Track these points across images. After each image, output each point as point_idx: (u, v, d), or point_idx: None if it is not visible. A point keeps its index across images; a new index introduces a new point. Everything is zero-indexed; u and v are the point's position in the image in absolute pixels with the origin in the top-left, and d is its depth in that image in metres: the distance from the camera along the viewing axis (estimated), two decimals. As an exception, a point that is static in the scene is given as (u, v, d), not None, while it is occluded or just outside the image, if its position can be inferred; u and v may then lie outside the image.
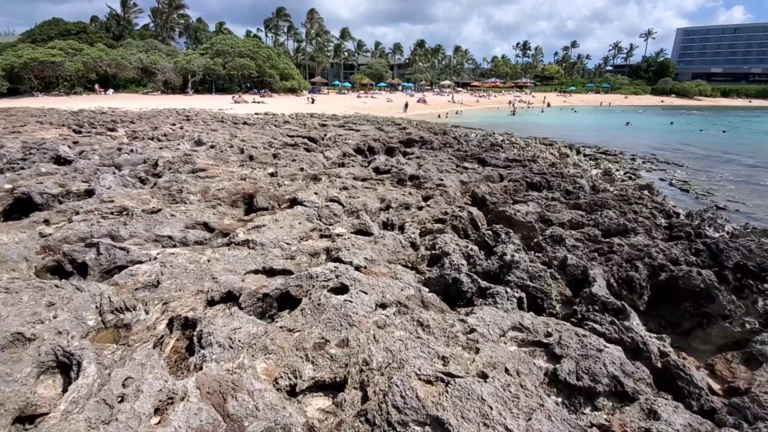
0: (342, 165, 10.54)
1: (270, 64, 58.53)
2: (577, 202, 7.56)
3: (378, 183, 8.70)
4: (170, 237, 4.84)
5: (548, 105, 65.61)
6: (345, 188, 7.51)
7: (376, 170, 9.68)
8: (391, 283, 3.79)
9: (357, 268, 4.12)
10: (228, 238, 4.77)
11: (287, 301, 3.63)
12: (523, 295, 4.00)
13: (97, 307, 3.23)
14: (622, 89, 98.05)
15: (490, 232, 5.70)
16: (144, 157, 9.68)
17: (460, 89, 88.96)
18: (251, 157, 10.79)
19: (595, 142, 26.28)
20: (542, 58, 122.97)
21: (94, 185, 6.60)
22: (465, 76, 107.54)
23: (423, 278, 4.45)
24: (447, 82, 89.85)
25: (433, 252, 4.87)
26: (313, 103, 47.87)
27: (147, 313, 3.25)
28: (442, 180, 8.70)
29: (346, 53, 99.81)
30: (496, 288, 3.95)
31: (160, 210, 5.35)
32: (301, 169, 9.16)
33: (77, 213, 5.68)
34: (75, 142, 12.60)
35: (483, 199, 8.28)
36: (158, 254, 4.17)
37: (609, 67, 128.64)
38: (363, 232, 5.51)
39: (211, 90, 55.91)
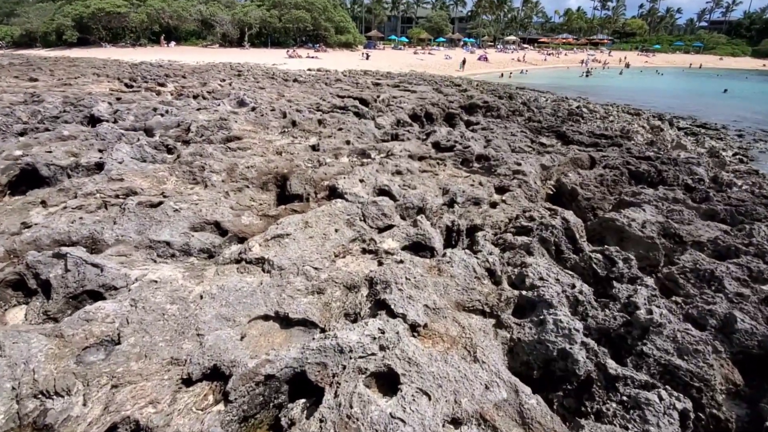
0: (395, 137, 8.90)
1: (326, 17, 55.95)
2: (711, 207, 5.51)
3: (439, 164, 7.03)
4: (168, 244, 3.65)
5: (627, 66, 58.00)
6: (398, 172, 5.96)
7: (437, 146, 7.97)
8: (468, 371, 2.32)
9: (413, 328, 2.68)
10: (239, 252, 3.47)
11: (302, 387, 2.30)
12: (688, 405, 2.38)
13: (14, 387, 2.07)
14: (717, 49, 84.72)
15: (599, 256, 3.99)
16: (178, 120, 8.62)
17: (526, 46, 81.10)
18: (294, 123, 9.42)
19: (688, 111, 22.27)
20: (624, 12, 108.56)
21: (106, 158, 5.56)
22: (533, 32, 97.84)
23: (508, 337, 2.94)
24: (512, 37, 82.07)
25: (522, 291, 3.30)
26: (367, 59, 45.35)
27: (85, 404, 2.05)
28: (519, 164, 6.87)
29: (404, 5, 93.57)
30: (640, 393, 2.36)
31: (161, 203, 4.15)
32: (348, 142, 7.66)
33: (75, 195, 4.65)
34: (118, 99, 11.89)
35: (573, 193, 6.40)
36: (136, 281, 2.96)
37: (703, 23, 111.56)
38: (421, 246, 4.02)
39: (267, 44, 54.72)
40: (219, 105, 10.69)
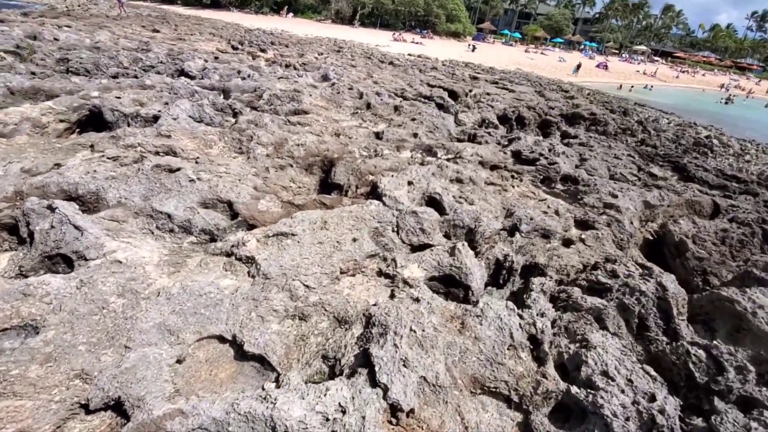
0: (473, 138, 7.86)
1: (439, 2, 54.46)
2: None
3: (513, 178, 5.95)
4: (169, 216, 3.25)
5: (781, 97, 48.34)
6: (458, 180, 5.05)
7: (517, 156, 6.82)
8: None
9: (393, 411, 1.91)
10: (232, 245, 2.93)
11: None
12: None
13: None
14: None
15: (701, 353, 2.80)
16: (256, 86, 8.50)
17: (657, 59, 71.70)
18: (368, 105, 8.83)
19: None
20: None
21: (164, 112, 5.44)
22: (668, 44, 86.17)
23: (534, 451, 2.03)
24: (642, 47, 72.89)
25: (573, 387, 2.32)
26: (473, 51, 43.33)
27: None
28: (615, 195, 5.53)
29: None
30: None
31: (179, 169, 3.78)
32: (415, 135, 6.86)
33: (117, 145, 4.52)
34: (216, 58, 12.32)
35: (681, 247, 4.96)
36: (104, 256, 2.57)
37: None
38: (453, 281, 3.17)
39: (376, 24, 54.95)
40: (302, 76, 10.48)
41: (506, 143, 7.61)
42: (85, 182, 3.35)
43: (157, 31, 17.51)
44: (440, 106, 10.92)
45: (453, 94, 13.95)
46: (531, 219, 4.44)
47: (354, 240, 3.26)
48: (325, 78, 11.01)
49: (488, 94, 14.53)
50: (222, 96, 8.28)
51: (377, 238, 3.44)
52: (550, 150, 7.25)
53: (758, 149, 16.45)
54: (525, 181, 6.07)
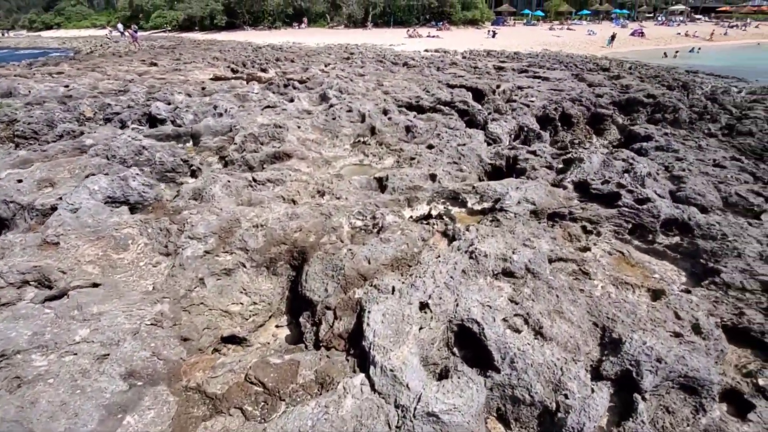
0: (513, 163, 5.67)
1: (453, -9, 51.45)
2: None
3: (587, 235, 3.79)
4: None
5: None
6: (508, 273, 2.98)
7: (582, 189, 4.62)
8: None
9: None
10: None
11: None
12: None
13: None
14: None
15: None
16: (232, 124, 6.74)
17: (699, 17, 64.56)
18: (373, 130, 6.86)
19: None
20: None
21: (62, 200, 3.73)
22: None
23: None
24: (680, 6, 65.84)
25: None
26: (494, 37, 40.19)
27: None
28: (769, 259, 3.26)
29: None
30: None
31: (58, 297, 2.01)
32: (433, 177, 4.80)
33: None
34: (203, 89, 10.76)
35: None
36: None
37: None
38: None
39: (389, 23, 52.70)
40: (295, 100, 8.66)
41: (561, 165, 5.40)
42: None
43: (155, 64, 16.36)
44: (463, 113, 8.77)
45: (478, 94, 11.71)
46: (658, 360, 2.32)
47: None
48: (323, 98, 9.14)
49: (520, 88, 12.13)
50: (191, 141, 6.61)
51: None
52: (628, 171, 4.97)
53: None
54: (606, 235, 3.89)
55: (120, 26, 41.88)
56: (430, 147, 5.88)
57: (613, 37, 38.00)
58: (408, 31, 42.76)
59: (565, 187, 4.61)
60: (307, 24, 53.89)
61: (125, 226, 3.53)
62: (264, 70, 15.35)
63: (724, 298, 3.00)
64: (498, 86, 12.10)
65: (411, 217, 4.20)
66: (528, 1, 72.91)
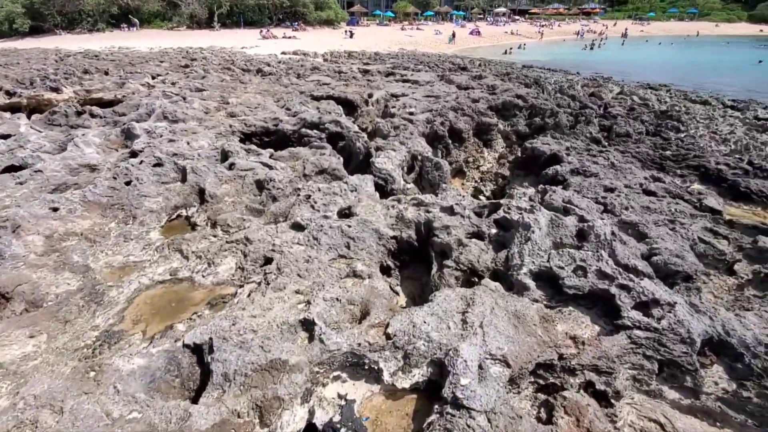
0: (428, 235, 3.67)
1: (304, -9, 48.54)
2: None
3: (617, 415, 1.97)
4: None
5: (625, 35, 51.93)
6: None
7: (549, 286, 2.88)
8: None
9: None
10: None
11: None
12: None
13: None
14: (712, 15, 78.04)
15: None
16: None
17: (517, 17, 73.76)
18: (202, 197, 4.18)
19: (733, 90, 16.92)
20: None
21: None
22: (522, 2, 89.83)
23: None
24: (502, 9, 74.40)
25: None
26: (351, 37, 38.89)
27: None
28: None
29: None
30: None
31: None
32: (304, 324, 2.49)
33: None
34: None
35: None
36: None
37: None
38: None
39: (239, 24, 47.36)
40: (72, 146, 5.28)
41: (494, 230, 3.60)
42: None
43: None
44: (337, 138, 6.57)
45: (349, 105, 9.64)
46: None
47: None
48: (128, 136, 5.91)
49: (394, 96, 10.43)
50: None
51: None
52: (586, 235, 3.39)
53: (676, 97, 14.42)
54: (625, 389, 2.11)
55: None
56: (298, 228, 3.50)
57: (453, 36, 40.21)
58: (261, 32, 38.71)
59: (526, 287, 2.75)
60: (139, 26, 45.08)
61: None
62: (56, 90, 10.72)
63: None
64: (370, 95, 10.20)
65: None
66: (377, 2, 74.08)
